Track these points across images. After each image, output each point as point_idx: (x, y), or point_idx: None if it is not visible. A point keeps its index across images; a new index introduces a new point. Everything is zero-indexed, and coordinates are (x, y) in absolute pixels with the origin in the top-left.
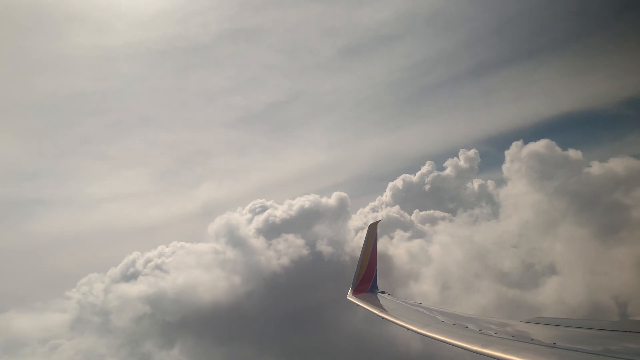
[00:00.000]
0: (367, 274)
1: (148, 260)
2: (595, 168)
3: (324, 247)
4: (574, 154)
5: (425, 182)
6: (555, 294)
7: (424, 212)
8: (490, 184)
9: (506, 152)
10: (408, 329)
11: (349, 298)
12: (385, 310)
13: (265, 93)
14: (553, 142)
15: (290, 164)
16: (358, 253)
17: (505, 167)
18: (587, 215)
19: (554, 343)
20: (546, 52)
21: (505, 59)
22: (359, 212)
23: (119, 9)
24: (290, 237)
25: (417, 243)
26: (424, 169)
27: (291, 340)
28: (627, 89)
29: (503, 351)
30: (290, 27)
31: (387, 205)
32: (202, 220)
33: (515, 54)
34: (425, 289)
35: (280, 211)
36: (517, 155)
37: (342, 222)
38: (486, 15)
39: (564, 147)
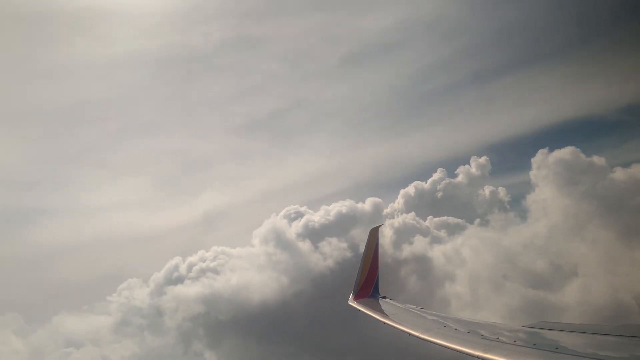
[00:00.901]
0: (369, 279)
1: (191, 265)
2: (619, 173)
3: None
4: (597, 160)
5: (438, 189)
6: (579, 295)
7: (437, 219)
8: (501, 190)
9: (532, 160)
10: (410, 334)
11: (350, 303)
12: (387, 315)
13: (268, 100)
14: (578, 149)
15: (292, 171)
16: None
17: (532, 173)
18: (611, 219)
19: (557, 348)
20: (546, 59)
21: (506, 66)
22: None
23: (123, 18)
24: (334, 240)
25: (449, 246)
26: (436, 175)
27: (333, 338)
28: (626, 96)
29: (505, 356)
30: (292, 36)
31: (400, 212)
32: (204, 228)
33: (515, 61)
34: (458, 289)
35: (317, 216)
36: (543, 162)
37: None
38: (487, 22)
39: (588, 154)
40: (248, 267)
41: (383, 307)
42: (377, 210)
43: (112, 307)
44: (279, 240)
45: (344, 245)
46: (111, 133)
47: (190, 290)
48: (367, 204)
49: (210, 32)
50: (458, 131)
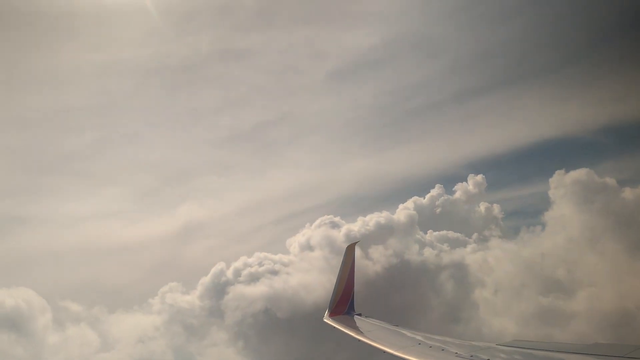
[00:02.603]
0: (344, 296)
1: (237, 269)
2: (628, 193)
3: (410, 257)
4: (609, 180)
5: (436, 204)
6: (589, 303)
7: (437, 232)
8: (496, 207)
9: (550, 180)
10: (384, 352)
11: (325, 320)
12: (362, 332)
13: (252, 113)
14: (592, 170)
15: (274, 184)
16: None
17: (550, 192)
18: (620, 234)
19: None
20: (527, 80)
21: (487, 86)
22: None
23: (112, 25)
24: (380, 247)
25: (478, 256)
26: (434, 192)
27: None
28: (602, 117)
29: None
30: (280, 49)
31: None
32: (183, 239)
33: (496, 81)
34: (485, 295)
35: (356, 226)
36: (560, 182)
37: (411, 236)
38: (471, 43)
39: (600, 175)
40: (302, 270)
41: (358, 324)
42: (411, 221)
43: (156, 308)
44: (332, 247)
45: (389, 252)
46: (93, 142)
47: (249, 290)
48: (402, 216)
49: (199, 43)
50: (440, 148)
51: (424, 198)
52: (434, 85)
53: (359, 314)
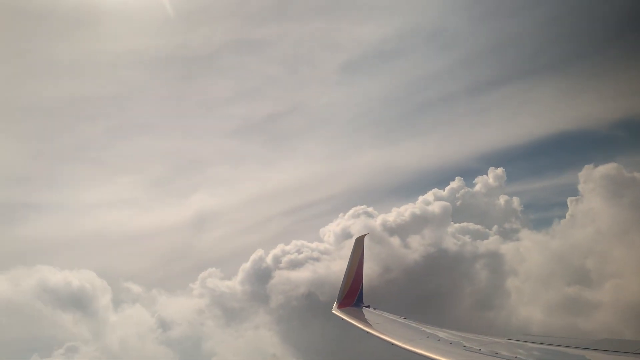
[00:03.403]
0: (353, 288)
1: (276, 256)
2: None
3: (448, 245)
4: (638, 175)
5: (457, 197)
6: (614, 294)
7: (458, 224)
8: (516, 199)
9: (579, 174)
10: (392, 344)
11: (333, 312)
12: (370, 324)
13: (264, 104)
14: (620, 165)
15: (285, 174)
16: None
17: (580, 186)
18: None
19: None
20: (541, 72)
21: (501, 79)
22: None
23: (127, 16)
24: (417, 237)
25: (506, 247)
26: (454, 184)
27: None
28: (617, 111)
29: None
30: (293, 40)
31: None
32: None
33: (510, 74)
34: (515, 284)
35: (391, 217)
36: (590, 176)
37: (444, 227)
38: (485, 35)
39: (629, 170)
40: (345, 257)
41: (366, 317)
42: (445, 213)
43: (197, 292)
44: (371, 236)
45: (427, 241)
46: (107, 131)
47: (294, 274)
48: (436, 207)
49: (212, 33)
50: (452, 141)
51: (444, 190)
52: (446, 77)
53: (368, 306)
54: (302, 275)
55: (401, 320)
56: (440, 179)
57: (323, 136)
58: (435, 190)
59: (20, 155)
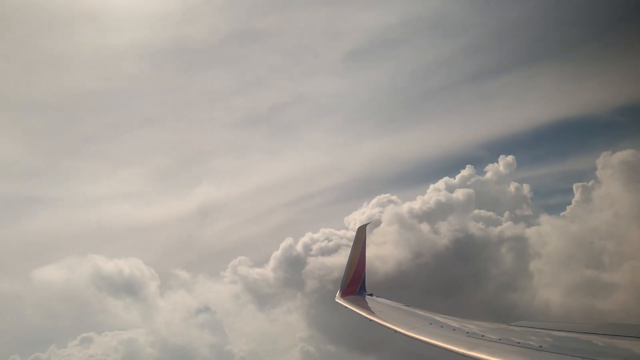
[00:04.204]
0: (356, 277)
1: (305, 244)
2: None
3: (474, 231)
4: None
5: (468, 184)
6: (632, 275)
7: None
8: (526, 186)
9: (597, 161)
10: (395, 331)
11: (336, 300)
12: (373, 312)
13: (268, 95)
14: (637, 151)
15: (290, 165)
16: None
17: (597, 172)
18: None
19: (540, 346)
20: (544, 59)
21: (505, 65)
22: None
23: (130, 9)
24: (445, 223)
25: (524, 232)
26: (464, 172)
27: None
28: (620, 97)
29: (490, 354)
30: (297, 30)
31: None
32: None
33: (514, 61)
34: (535, 267)
35: (417, 204)
36: (607, 163)
37: (468, 214)
38: (488, 21)
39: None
40: (377, 244)
41: (370, 305)
42: (469, 200)
43: (228, 279)
44: (402, 223)
45: (455, 227)
46: (111, 124)
47: (329, 260)
48: (460, 194)
49: (217, 24)
50: (456, 129)
51: (455, 179)
52: (450, 65)
53: (371, 294)
54: (337, 260)
55: (404, 307)
56: (445, 167)
57: (327, 126)
58: (446, 178)
59: (26, 150)
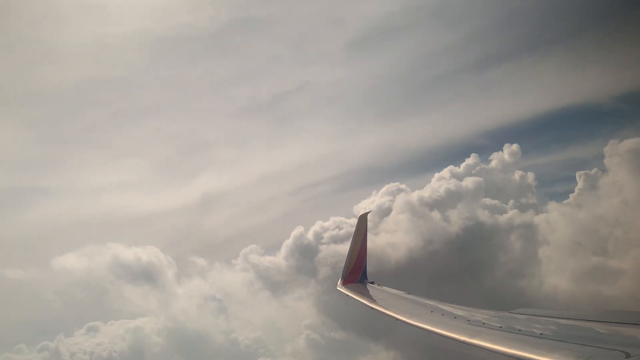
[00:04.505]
0: (357, 265)
1: (317, 233)
2: None
3: (485, 219)
4: None
5: (472, 173)
6: (636, 263)
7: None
8: (530, 175)
9: (605, 149)
10: (397, 319)
11: (338, 288)
12: (374, 300)
13: (269, 83)
14: None
15: (291, 154)
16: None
17: (605, 160)
18: None
19: (542, 334)
20: (547, 46)
21: (506, 53)
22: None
23: None
24: (454, 211)
25: (531, 219)
26: (469, 161)
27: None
28: (622, 84)
29: (490, 341)
30: (298, 18)
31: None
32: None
33: (516, 48)
34: (541, 254)
35: (426, 192)
36: (615, 151)
37: (477, 202)
38: (491, 9)
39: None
40: (389, 232)
41: (371, 293)
42: (478, 188)
43: (239, 267)
44: (413, 212)
45: (466, 215)
46: (112, 114)
47: (341, 248)
48: (469, 182)
49: (217, 12)
50: (458, 118)
51: (459, 167)
52: (452, 53)
53: (372, 282)
54: (348, 248)
55: (405, 295)
56: (447, 156)
57: (329, 115)
58: (451, 167)
59: (29, 141)
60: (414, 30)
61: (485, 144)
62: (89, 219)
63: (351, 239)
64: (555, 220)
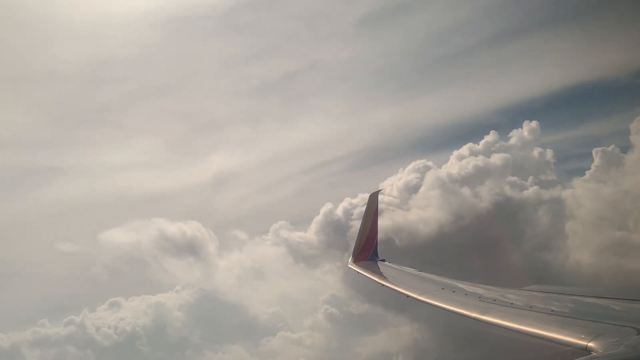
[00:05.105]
0: (368, 243)
1: (346, 209)
2: None
3: (513, 194)
4: None
5: (492, 150)
6: None
7: None
8: (549, 152)
9: (631, 125)
10: (408, 296)
11: (349, 266)
12: (385, 277)
13: (281, 62)
14: None
15: (304, 133)
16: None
17: (631, 137)
18: None
19: (552, 310)
20: (563, 21)
21: (523, 28)
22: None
23: None
24: (484, 188)
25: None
26: (488, 138)
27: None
28: (638, 60)
29: (502, 318)
30: None
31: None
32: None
33: (532, 23)
34: (566, 229)
35: (455, 169)
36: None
37: (505, 178)
38: None
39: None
40: (421, 207)
41: (382, 270)
42: (506, 165)
43: (270, 242)
44: (444, 188)
45: (496, 190)
46: (125, 93)
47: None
48: (497, 159)
49: None
50: (473, 94)
51: (478, 144)
52: (466, 29)
53: (383, 260)
54: (381, 223)
55: (416, 273)
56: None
57: (341, 93)
58: (470, 144)
59: (42, 120)
60: (428, 4)
61: (501, 120)
62: (104, 198)
63: (362, 217)
64: (579, 196)
